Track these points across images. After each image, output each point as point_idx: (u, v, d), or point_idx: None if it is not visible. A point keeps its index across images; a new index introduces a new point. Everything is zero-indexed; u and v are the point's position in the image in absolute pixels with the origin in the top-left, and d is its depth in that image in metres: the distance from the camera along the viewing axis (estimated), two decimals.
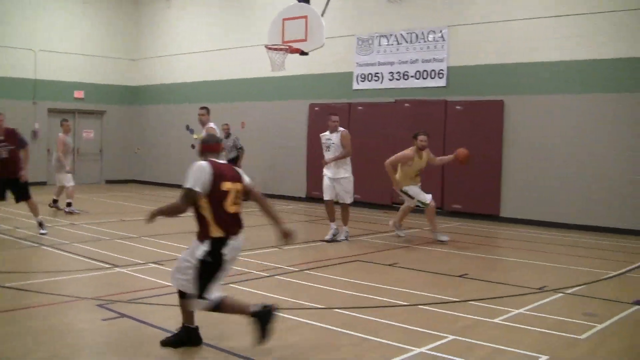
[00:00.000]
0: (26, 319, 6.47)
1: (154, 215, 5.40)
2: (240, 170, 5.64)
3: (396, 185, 11.90)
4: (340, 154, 11.66)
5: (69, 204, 14.72)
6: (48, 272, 8.66)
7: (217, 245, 5.30)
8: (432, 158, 12.18)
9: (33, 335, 5.91)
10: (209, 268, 5.30)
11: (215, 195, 5.29)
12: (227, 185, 5.34)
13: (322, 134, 12.07)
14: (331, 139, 11.80)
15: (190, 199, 5.25)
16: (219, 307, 5.36)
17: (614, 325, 6.66)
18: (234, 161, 17.40)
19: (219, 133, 13.35)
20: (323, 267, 9.39)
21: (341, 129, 11.84)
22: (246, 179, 5.62)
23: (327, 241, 11.63)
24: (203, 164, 5.36)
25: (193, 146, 21.81)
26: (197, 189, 5.22)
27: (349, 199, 11.81)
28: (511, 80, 14.99)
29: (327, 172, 11.92)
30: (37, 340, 5.77)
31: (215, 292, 5.34)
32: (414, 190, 11.84)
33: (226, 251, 5.32)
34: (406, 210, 12.27)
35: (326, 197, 11.90)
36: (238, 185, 5.46)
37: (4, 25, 21.27)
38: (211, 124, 12.60)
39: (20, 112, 21.02)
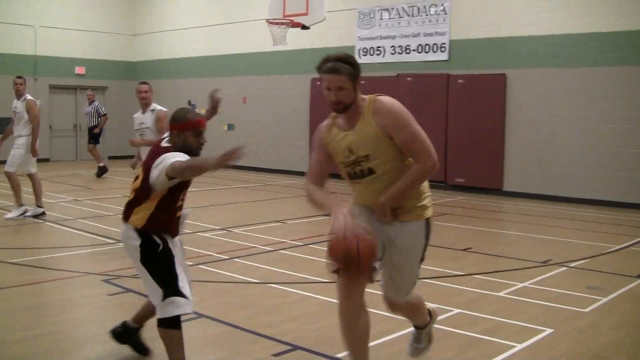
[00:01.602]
0: (32, 294, 6.50)
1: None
2: (162, 157, 4.29)
3: None
4: (153, 140, 7.39)
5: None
6: (52, 248, 8.68)
7: None
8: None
9: (38, 310, 5.94)
10: None
11: None
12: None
13: (135, 115, 8.72)
14: (144, 122, 8.42)
15: None
16: None
17: (617, 298, 6.67)
18: (95, 128, 18.40)
19: (38, 105, 10.88)
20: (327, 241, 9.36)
21: (157, 107, 8.43)
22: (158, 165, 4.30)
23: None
24: None
25: None
26: None
27: None
28: (513, 53, 14.87)
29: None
30: (42, 315, 5.80)
31: None
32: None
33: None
34: None
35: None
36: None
37: (2, 1, 21.10)
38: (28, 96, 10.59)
39: None
